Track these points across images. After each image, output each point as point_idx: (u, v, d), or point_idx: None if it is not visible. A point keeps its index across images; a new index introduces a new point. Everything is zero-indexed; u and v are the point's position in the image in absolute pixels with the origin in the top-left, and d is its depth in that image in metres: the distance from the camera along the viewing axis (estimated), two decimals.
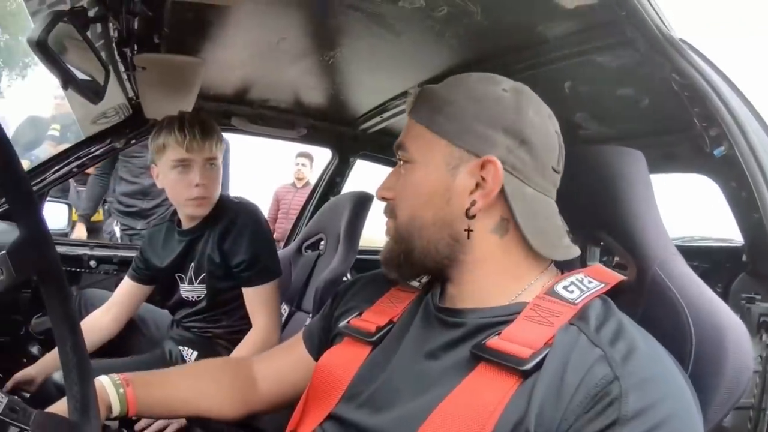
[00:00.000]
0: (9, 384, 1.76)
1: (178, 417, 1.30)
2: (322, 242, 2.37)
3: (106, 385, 1.02)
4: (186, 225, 2.03)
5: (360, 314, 1.09)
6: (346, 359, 1.03)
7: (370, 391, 0.93)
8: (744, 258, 1.36)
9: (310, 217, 2.85)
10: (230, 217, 1.95)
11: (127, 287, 2.14)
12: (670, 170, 1.67)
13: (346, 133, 2.79)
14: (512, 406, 0.76)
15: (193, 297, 2.04)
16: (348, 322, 1.09)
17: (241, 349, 1.82)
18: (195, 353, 1.99)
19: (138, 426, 1.47)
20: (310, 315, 2.13)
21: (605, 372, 0.73)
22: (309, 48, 1.79)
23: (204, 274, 1.99)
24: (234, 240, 1.92)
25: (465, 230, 0.91)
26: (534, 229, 0.90)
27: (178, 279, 2.07)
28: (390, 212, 1.00)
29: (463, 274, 0.94)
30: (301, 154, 6.16)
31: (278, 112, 2.56)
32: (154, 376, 1.14)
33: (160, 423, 1.47)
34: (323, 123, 2.70)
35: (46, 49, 1.18)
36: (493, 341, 0.82)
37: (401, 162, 0.98)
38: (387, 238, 1.02)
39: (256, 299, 1.93)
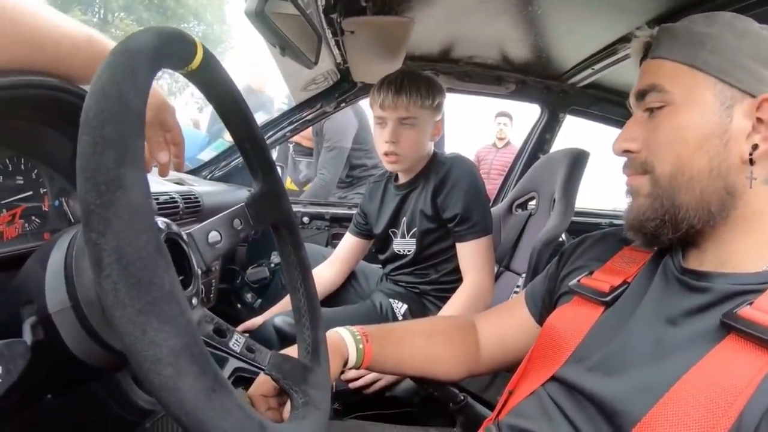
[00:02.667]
0: (239, 328, 1.93)
1: (403, 375, 1.32)
2: (533, 201, 2.29)
3: (346, 338, 1.05)
4: (402, 179, 2.08)
5: (590, 273, 1.01)
6: (576, 319, 0.96)
7: (601, 354, 0.86)
8: None
9: (519, 176, 2.78)
10: (444, 171, 1.95)
11: (349, 242, 2.28)
12: None
13: (554, 87, 2.67)
14: (765, 388, 0.65)
15: (403, 251, 2.08)
16: (578, 280, 1.01)
17: (452, 305, 1.82)
18: (405, 306, 2.03)
19: (346, 376, 1.52)
20: (522, 275, 2.08)
21: None
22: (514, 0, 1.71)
23: (415, 228, 2.01)
24: (447, 194, 1.91)
25: (746, 179, 0.80)
26: None
27: (391, 234, 2.12)
28: (639, 166, 0.88)
29: (721, 234, 0.83)
30: (501, 114, 6.02)
31: (485, 68, 2.51)
32: (390, 333, 1.14)
33: (371, 376, 1.52)
34: (531, 78, 2.60)
35: (263, 19, 1.23)
36: (746, 311, 0.72)
37: (650, 108, 0.87)
38: (630, 197, 0.91)
39: (469, 255, 1.91)
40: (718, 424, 0.66)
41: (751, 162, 0.79)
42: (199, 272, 0.71)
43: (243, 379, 1.41)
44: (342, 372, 1.03)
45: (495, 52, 2.33)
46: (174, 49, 0.59)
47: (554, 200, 1.99)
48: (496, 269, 2.25)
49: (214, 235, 0.75)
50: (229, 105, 0.77)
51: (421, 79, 1.91)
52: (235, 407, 0.48)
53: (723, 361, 0.71)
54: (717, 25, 0.84)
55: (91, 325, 0.64)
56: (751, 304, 0.73)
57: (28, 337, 0.61)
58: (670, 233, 0.85)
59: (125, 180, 0.45)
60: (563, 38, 2.10)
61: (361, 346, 1.04)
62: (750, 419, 0.64)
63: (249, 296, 2.61)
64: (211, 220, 0.77)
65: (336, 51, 2.15)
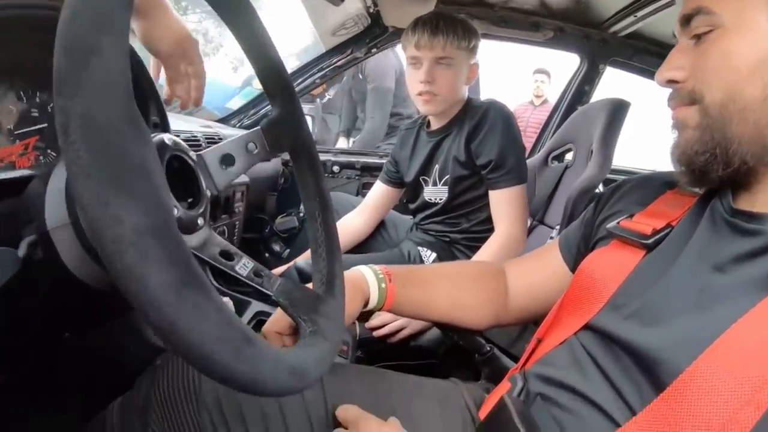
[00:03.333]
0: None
1: (427, 320, 1.28)
2: (570, 153, 2.21)
3: (368, 277, 1.01)
4: (434, 126, 2.03)
5: (631, 216, 0.95)
6: (614, 263, 0.90)
7: (641, 302, 0.80)
8: None
9: (556, 128, 2.70)
10: (479, 116, 1.89)
11: (379, 190, 2.25)
12: None
13: (594, 36, 2.56)
14: None
15: (435, 199, 2.04)
16: (617, 222, 0.95)
17: (482, 254, 1.79)
18: (434, 254, 2.01)
19: (370, 324, 1.50)
20: (555, 228, 2.02)
21: None
22: None
23: (447, 175, 1.97)
24: (482, 139, 1.86)
25: None
26: None
27: (422, 182, 2.08)
28: (687, 96, 0.80)
29: None
30: (539, 71, 5.89)
31: (521, 13, 2.42)
32: (414, 274, 1.10)
33: (396, 324, 1.49)
34: (570, 25, 2.51)
35: None
36: None
37: (697, 34, 0.80)
38: (677, 132, 0.83)
39: (502, 203, 1.86)
40: None
41: None
42: (209, 194, 0.67)
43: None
44: (366, 318, 0.99)
45: None
46: None
47: (592, 152, 1.93)
48: (529, 222, 2.20)
49: (227, 158, 0.72)
50: (245, 22, 0.74)
51: (456, 21, 1.85)
52: (212, 308, 0.43)
53: None
54: None
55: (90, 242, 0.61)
56: None
57: (22, 251, 0.59)
58: (720, 169, 0.77)
59: (102, 46, 0.41)
60: None
61: (383, 285, 1.01)
62: None
63: (278, 246, 2.61)
64: (224, 142, 0.73)
65: None
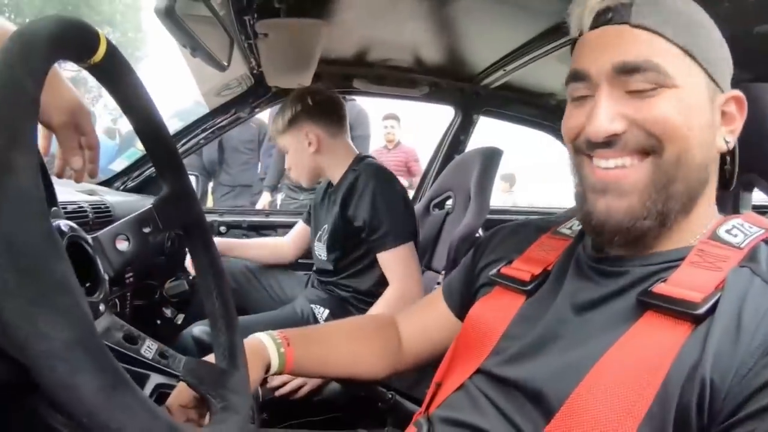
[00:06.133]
0: None
1: (327, 377, 1.30)
2: (450, 200, 2.32)
3: (266, 342, 1.02)
4: (333, 183, 2.10)
5: (510, 263, 1.01)
6: (498, 309, 0.96)
7: (524, 343, 0.87)
8: None
9: (436, 177, 2.81)
10: (352, 179, 1.94)
11: (299, 228, 2.40)
12: None
13: (467, 89, 2.72)
14: (685, 353, 0.69)
15: (324, 256, 2.07)
16: (498, 270, 1.01)
17: (377, 307, 1.82)
18: (327, 311, 2.01)
19: (271, 384, 1.49)
20: (442, 273, 2.10)
21: None
22: (427, 3, 1.73)
23: (329, 235, 2.01)
24: (356, 203, 1.90)
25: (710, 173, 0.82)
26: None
27: (316, 238, 2.12)
28: (636, 147, 0.78)
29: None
30: (387, 116, 6.08)
31: (399, 71, 2.53)
32: (311, 335, 1.12)
33: (296, 382, 1.49)
34: (445, 80, 2.65)
35: (173, 17, 1.19)
36: (661, 287, 0.75)
37: (641, 89, 0.77)
38: (605, 196, 0.80)
39: (390, 263, 1.88)
40: (643, 394, 0.68)
41: (731, 154, 0.82)
42: (107, 278, 0.68)
43: (167, 396, 1.35)
44: (265, 380, 1.01)
45: (409, 55, 2.37)
46: (73, 38, 0.56)
47: (470, 197, 2.02)
48: None
49: (121, 240, 0.72)
50: (134, 101, 0.74)
51: (286, 103, 2.06)
52: (139, 407, 0.46)
53: (642, 336, 0.73)
54: (700, 11, 0.82)
55: None
56: (665, 281, 0.75)
57: None
58: (654, 232, 0.80)
59: (15, 164, 0.43)
60: (475, 41, 2.16)
61: (282, 350, 1.02)
62: (674, 386, 0.67)
63: (169, 312, 2.49)
64: (117, 223, 0.74)
65: (250, 55, 2.12)
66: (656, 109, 0.76)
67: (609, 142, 0.78)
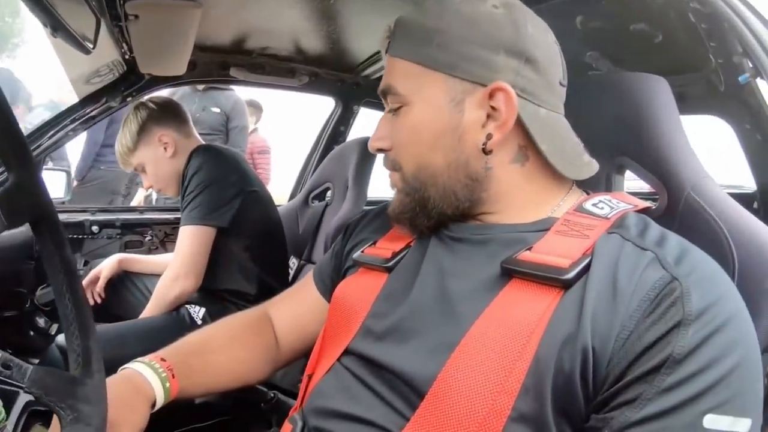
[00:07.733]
0: None
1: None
2: (329, 192, 2.33)
3: (149, 377, 0.94)
4: None
5: (374, 243, 1.03)
6: (361, 289, 0.97)
7: (390, 321, 0.87)
8: (755, 205, 1.32)
9: (315, 168, 2.80)
10: (187, 160, 1.98)
11: None
12: (682, 111, 1.60)
13: (348, 80, 2.71)
14: (558, 321, 0.70)
15: None
16: (362, 251, 1.03)
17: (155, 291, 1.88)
18: (203, 310, 1.96)
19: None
20: None
21: (660, 274, 0.69)
22: None
23: None
24: (188, 181, 1.92)
25: (483, 168, 0.85)
26: (555, 151, 0.84)
27: None
28: (392, 164, 0.93)
29: (486, 209, 0.88)
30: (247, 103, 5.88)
31: (278, 60, 2.48)
32: (193, 360, 1.04)
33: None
34: (325, 70, 2.62)
35: None
36: (526, 254, 0.77)
37: (392, 108, 0.90)
38: (393, 191, 0.95)
39: (178, 240, 1.90)
40: (515, 366, 0.69)
41: (485, 152, 0.84)
42: None
43: (40, 414, 1.22)
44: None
45: (288, 43, 2.32)
46: None
47: (348, 188, 2.04)
48: (296, 263, 2.26)
49: None
50: None
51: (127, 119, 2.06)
52: None
53: (509, 304, 0.74)
54: (447, 15, 0.84)
55: None
56: (530, 248, 0.78)
57: None
58: (425, 222, 0.91)
59: None
60: (355, 31, 2.14)
61: (168, 384, 0.95)
62: (547, 355, 0.69)
63: (42, 321, 2.35)
64: None
65: (121, 39, 1.99)
66: (397, 126, 0.90)
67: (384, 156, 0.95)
